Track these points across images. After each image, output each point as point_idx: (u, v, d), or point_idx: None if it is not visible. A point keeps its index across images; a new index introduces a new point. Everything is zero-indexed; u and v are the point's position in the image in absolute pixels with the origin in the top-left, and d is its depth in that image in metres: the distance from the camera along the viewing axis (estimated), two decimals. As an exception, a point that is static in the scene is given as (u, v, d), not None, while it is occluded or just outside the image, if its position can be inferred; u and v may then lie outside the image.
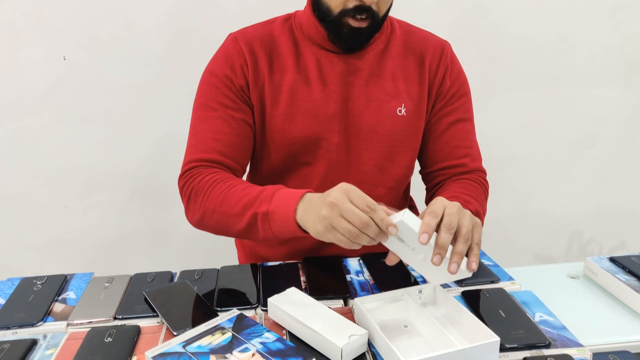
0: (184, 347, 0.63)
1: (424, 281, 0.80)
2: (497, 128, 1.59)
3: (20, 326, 0.71)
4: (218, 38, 0.95)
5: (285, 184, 0.90)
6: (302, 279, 0.83)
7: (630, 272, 0.80)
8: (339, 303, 0.76)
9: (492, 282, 0.80)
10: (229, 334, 0.65)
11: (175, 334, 0.67)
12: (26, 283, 0.81)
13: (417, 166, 1.01)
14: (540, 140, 1.67)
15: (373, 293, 0.76)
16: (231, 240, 1.15)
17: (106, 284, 0.81)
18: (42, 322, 0.72)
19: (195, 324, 0.68)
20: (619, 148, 1.71)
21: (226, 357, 0.61)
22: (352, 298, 0.75)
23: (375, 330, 0.64)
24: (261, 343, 0.63)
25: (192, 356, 0.61)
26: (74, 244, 1.53)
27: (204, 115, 0.87)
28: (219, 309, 0.74)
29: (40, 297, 0.77)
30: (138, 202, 1.52)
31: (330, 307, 0.69)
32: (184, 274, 0.84)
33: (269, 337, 0.65)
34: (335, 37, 0.84)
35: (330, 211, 0.64)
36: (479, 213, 0.83)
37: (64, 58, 1.34)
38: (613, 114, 1.67)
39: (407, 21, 0.97)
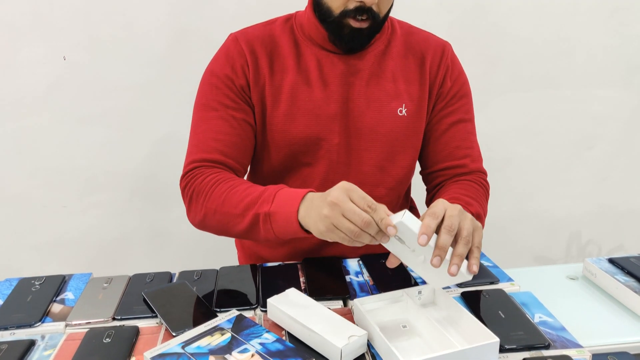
0: (183, 347, 0.63)
1: (424, 282, 0.80)
2: (497, 129, 1.59)
3: (18, 327, 0.71)
4: (218, 38, 0.95)
5: (285, 184, 0.90)
6: (302, 279, 0.82)
7: (629, 274, 0.80)
8: (339, 304, 0.76)
9: (492, 283, 0.80)
10: (228, 335, 0.65)
11: (174, 334, 0.67)
12: (24, 283, 0.81)
13: (417, 167, 1.01)
14: (539, 141, 1.67)
15: (372, 294, 0.76)
16: (231, 241, 1.14)
17: (105, 285, 0.81)
18: (40, 323, 0.71)
19: (194, 324, 0.68)
20: (618, 149, 1.72)
21: (225, 358, 0.61)
22: (352, 299, 0.75)
23: (375, 331, 0.64)
24: (260, 344, 0.63)
25: (191, 357, 0.61)
26: (73, 245, 1.53)
27: (204, 115, 0.87)
28: (218, 310, 0.74)
29: (38, 297, 0.77)
30: (137, 202, 1.52)
31: (329, 308, 0.69)
32: (183, 274, 0.84)
33: (269, 337, 0.65)
34: (336, 37, 0.84)
35: (331, 211, 0.64)
36: (480, 215, 0.83)
37: (64, 58, 1.34)
38: (613, 114, 1.67)
39: (407, 22, 0.97)
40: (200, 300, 0.75)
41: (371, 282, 0.82)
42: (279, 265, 0.87)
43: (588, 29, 1.56)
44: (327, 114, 0.88)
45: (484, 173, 0.95)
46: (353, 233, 0.63)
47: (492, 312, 0.71)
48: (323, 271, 0.84)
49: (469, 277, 0.65)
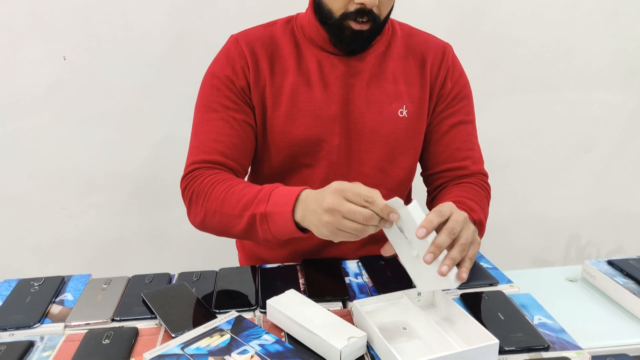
0: (182, 349, 0.63)
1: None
2: (496, 131, 1.60)
3: (17, 328, 0.70)
4: (218, 39, 0.95)
5: (286, 185, 0.90)
6: (301, 281, 0.82)
7: (628, 275, 0.80)
8: (338, 305, 0.76)
9: (491, 284, 0.80)
10: (227, 336, 0.65)
11: (173, 335, 0.67)
12: (23, 284, 0.81)
13: (418, 169, 1.01)
14: (538, 143, 1.67)
15: (372, 295, 0.76)
16: (230, 243, 1.14)
17: (104, 286, 0.81)
18: (39, 324, 0.71)
19: (193, 325, 0.68)
20: (617, 151, 1.72)
21: (225, 359, 0.61)
22: (351, 300, 0.75)
23: (374, 333, 0.64)
24: (260, 345, 0.63)
25: (190, 358, 0.61)
26: (72, 246, 1.53)
27: (205, 116, 0.87)
28: (218, 311, 0.74)
29: (37, 298, 0.77)
30: (137, 203, 1.52)
31: (329, 310, 0.69)
32: (182, 275, 0.84)
33: (268, 339, 0.64)
34: (336, 39, 0.84)
35: (331, 216, 0.65)
36: (482, 223, 0.84)
37: (64, 58, 1.34)
38: (611, 117, 1.67)
39: (407, 23, 0.97)
40: (200, 301, 0.75)
41: (370, 284, 0.82)
42: (278, 266, 0.87)
43: (587, 32, 1.56)
44: (328, 115, 0.88)
45: (485, 175, 0.95)
46: (357, 230, 0.64)
47: (492, 314, 0.71)
48: (322, 272, 0.84)
49: (455, 285, 0.65)
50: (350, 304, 0.75)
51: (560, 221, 1.77)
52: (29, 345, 0.67)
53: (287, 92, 0.87)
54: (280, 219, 0.72)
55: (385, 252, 0.69)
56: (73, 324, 0.71)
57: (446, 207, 0.66)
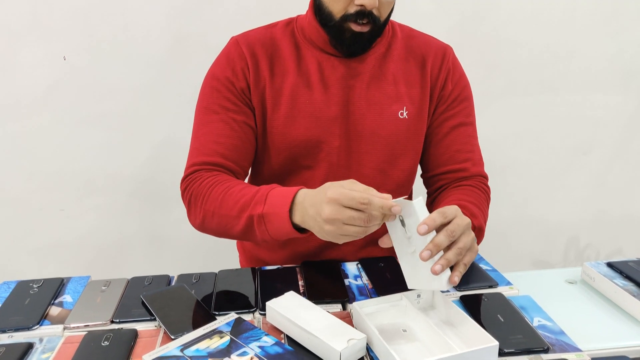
0: (181, 351, 0.62)
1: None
2: (495, 133, 1.60)
3: (16, 330, 0.70)
4: (218, 41, 0.95)
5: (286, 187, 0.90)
6: (300, 283, 0.82)
7: (628, 277, 0.80)
8: (337, 307, 0.75)
9: (491, 286, 0.80)
10: (227, 338, 0.65)
11: (172, 337, 0.67)
12: (22, 286, 0.81)
13: (418, 171, 1.01)
14: (537, 146, 1.67)
15: (371, 297, 0.76)
16: (229, 244, 1.14)
17: (103, 288, 0.81)
18: (38, 326, 0.71)
19: (193, 327, 0.68)
20: (616, 154, 1.72)
21: (224, 361, 0.60)
22: (351, 302, 0.75)
23: (374, 335, 0.63)
24: (259, 347, 0.63)
25: (189, 360, 0.61)
26: (71, 247, 1.52)
27: (206, 118, 0.87)
28: (217, 313, 0.73)
29: (36, 300, 0.77)
30: (136, 205, 1.52)
31: (328, 311, 0.69)
32: (182, 277, 0.84)
33: (267, 341, 0.64)
34: (337, 41, 0.84)
35: (332, 225, 0.65)
36: (482, 228, 0.84)
37: (64, 58, 1.34)
38: (610, 120, 1.68)
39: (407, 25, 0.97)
40: (199, 303, 0.75)
41: (370, 286, 0.82)
42: (278, 268, 0.87)
43: (586, 35, 1.57)
44: (328, 117, 0.88)
45: (485, 177, 0.95)
46: (360, 232, 0.65)
47: (491, 316, 0.71)
48: (322, 274, 0.84)
49: (445, 287, 0.66)
50: (349, 306, 0.75)
51: (560, 223, 1.77)
52: (28, 347, 0.66)
53: (287, 94, 0.87)
54: (278, 220, 0.72)
55: (384, 243, 0.70)
56: (72, 325, 0.71)
57: (451, 209, 0.66)
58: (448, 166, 0.93)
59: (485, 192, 0.92)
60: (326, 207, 0.64)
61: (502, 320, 0.71)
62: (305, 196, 0.70)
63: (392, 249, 0.71)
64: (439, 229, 0.65)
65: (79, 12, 1.33)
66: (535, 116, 1.64)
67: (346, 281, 0.83)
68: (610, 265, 0.84)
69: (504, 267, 0.88)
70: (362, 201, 0.63)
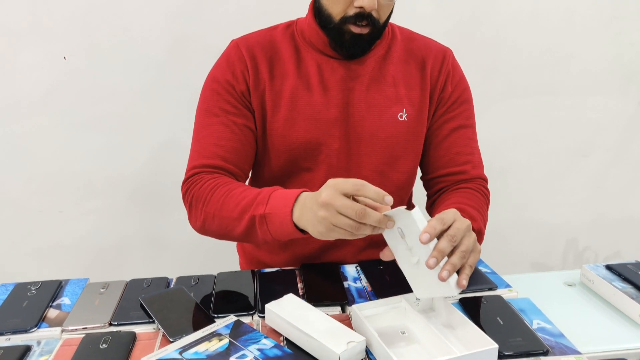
0: (180, 353, 0.62)
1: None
2: (494, 136, 1.60)
3: (14, 332, 0.70)
4: (217, 43, 0.96)
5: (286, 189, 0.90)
6: (300, 285, 0.82)
7: (627, 280, 0.80)
8: (337, 310, 0.75)
9: (490, 289, 0.80)
10: (226, 341, 0.65)
11: (171, 340, 0.67)
12: (20, 289, 0.81)
13: (418, 173, 1.01)
14: (536, 149, 1.67)
15: (371, 300, 0.76)
16: (228, 246, 1.14)
17: (101, 290, 0.80)
18: (36, 328, 0.71)
19: (192, 330, 0.68)
20: (615, 156, 1.73)
21: (223, 364, 0.60)
22: (350, 305, 0.74)
23: (373, 337, 0.63)
24: (258, 349, 0.63)
25: (188, 363, 0.60)
26: (69, 250, 1.52)
27: (206, 121, 0.87)
28: (216, 315, 0.73)
29: (34, 302, 0.77)
30: (135, 207, 1.52)
31: (327, 314, 0.69)
32: (180, 280, 0.84)
33: (267, 343, 0.64)
34: (336, 43, 0.84)
35: (326, 211, 0.64)
36: (481, 231, 0.84)
37: (64, 58, 1.33)
38: (609, 122, 1.68)
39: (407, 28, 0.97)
40: (198, 305, 0.74)
41: (369, 288, 0.81)
42: (277, 271, 0.87)
43: (585, 37, 1.57)
44: (327, 119, 0.88)
45: (485, 180, 0.95)
46: (352, 227, 0.63)
47: (491, 318, 0.71)
48: (321, 277, 0.84)
49: (455, 292, 0.65)
50: (349, 309, 0.74)
51: (559, 226, 1.77)
52: (26, 350, 0.66)
53: (287, 96, 0.87)
54: (279, 220, 0.72)
55: (385, 256, 0.69)
56: (70, 328, 0.71)
57: (448, 214, 0.66)
58: (448, 169, 0.93)
59: (485, 195, 0.92)
60: (325, 191, 0.64)
61: (502, 322, 0.70)
62: (307, 196, 0.70)
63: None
64: (439, 235, 0.65)
65: (79, 13, 1.33)
66: (535, 118, 1.64)
67: (345, 284, 0.83)
68: (609, 267, 0.84)
69: (503, 269, 0.88)
70: (358, 188, 0.63)
